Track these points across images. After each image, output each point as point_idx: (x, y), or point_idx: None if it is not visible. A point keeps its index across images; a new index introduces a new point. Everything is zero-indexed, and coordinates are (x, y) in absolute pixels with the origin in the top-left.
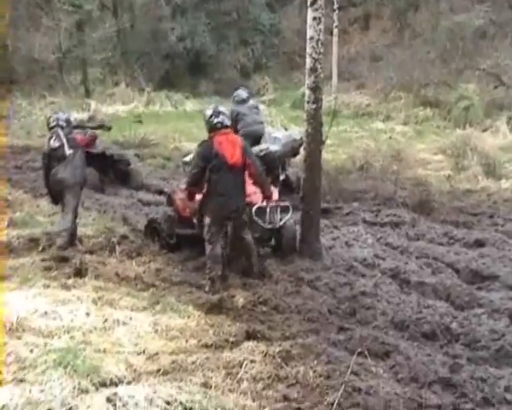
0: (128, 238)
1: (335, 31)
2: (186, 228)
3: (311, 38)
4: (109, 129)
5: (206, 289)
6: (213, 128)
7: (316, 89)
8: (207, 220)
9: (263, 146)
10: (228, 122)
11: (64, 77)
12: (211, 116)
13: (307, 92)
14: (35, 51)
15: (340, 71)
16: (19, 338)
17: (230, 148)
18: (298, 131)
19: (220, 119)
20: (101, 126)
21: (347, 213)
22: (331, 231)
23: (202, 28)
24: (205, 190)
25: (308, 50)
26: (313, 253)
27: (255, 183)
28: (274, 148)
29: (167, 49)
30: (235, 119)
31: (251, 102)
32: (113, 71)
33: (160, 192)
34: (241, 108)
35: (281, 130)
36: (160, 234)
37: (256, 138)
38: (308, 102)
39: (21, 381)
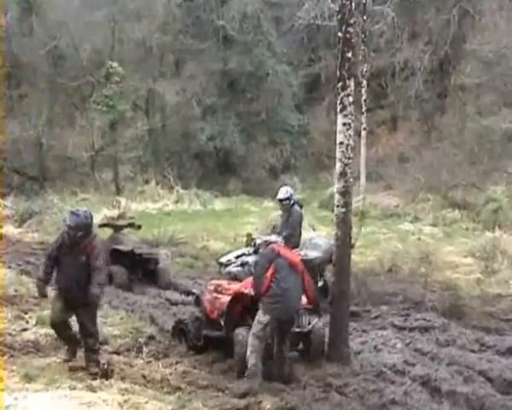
0: (155, 339)
1: (363, 133)
2: (213, 330)
3: (341, 144)
4: (139, 227)
5: (243, 382)
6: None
7: (345, 193)
8: (264, 318)
9: (301, 253)
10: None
11: (96, 174)
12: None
13: (337, 196)
14: (68, 149)
15: (367, 172)
16: None
17: (289, 252)
18: None
19: (272, 238)
20: (131, 225)
21: (376, 317)
22: (360, 335)
23: (232, 129)
24: (266, 290)
25: (338, 155)
26: (341, 357)
27: (307, 292)
28: (314, 254)
29: (197, 148)
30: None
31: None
32: (144, 169)
33: (188, 293)
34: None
35: (321, 235)
36: (188, 335)
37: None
38: (337, 206)
39: None
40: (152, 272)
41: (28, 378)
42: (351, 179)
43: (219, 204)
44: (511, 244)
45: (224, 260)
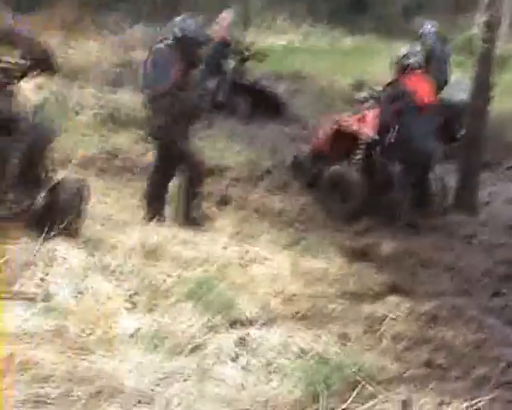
0: (273, 173)
1: None
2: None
3: None
4: (263, 59)
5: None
6: (405, 69)
7: (490, 27)
8: (398, 166)
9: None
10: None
11: None
12: (405, 56)
13: (481, 30)
14: None
15: None
16: (154, 266)
17: (425, 88)
18: None
19: (418, 59)
20: (255, 55)
21: (510, 168)
22: (491, 186)
23: None
24: (395, 135)
25: None
26: (469, 207)
27: None
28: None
29: None
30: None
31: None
32: (273, 3)
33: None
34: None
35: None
36: (306, 171)
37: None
38: (481, 42)
39: (151, 309)
40: (274, 107)
41: None
42: (498, 11)
43: (347, 42)
44: None
45: (359, 97)
